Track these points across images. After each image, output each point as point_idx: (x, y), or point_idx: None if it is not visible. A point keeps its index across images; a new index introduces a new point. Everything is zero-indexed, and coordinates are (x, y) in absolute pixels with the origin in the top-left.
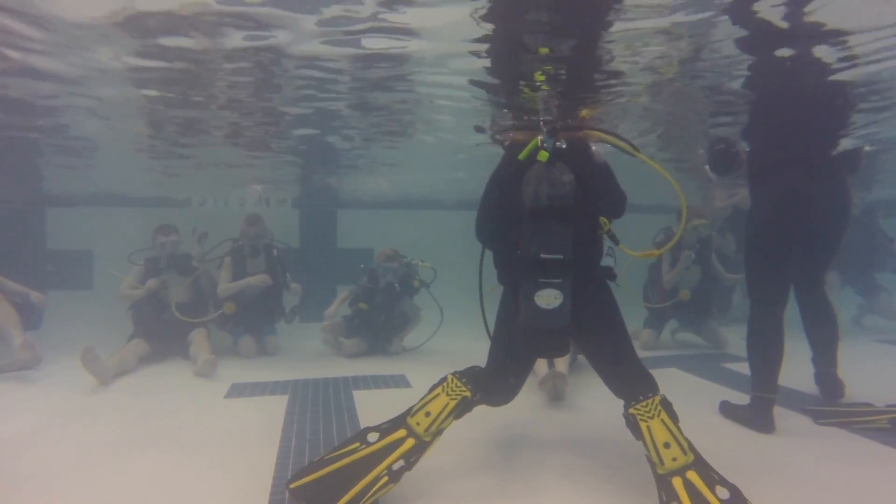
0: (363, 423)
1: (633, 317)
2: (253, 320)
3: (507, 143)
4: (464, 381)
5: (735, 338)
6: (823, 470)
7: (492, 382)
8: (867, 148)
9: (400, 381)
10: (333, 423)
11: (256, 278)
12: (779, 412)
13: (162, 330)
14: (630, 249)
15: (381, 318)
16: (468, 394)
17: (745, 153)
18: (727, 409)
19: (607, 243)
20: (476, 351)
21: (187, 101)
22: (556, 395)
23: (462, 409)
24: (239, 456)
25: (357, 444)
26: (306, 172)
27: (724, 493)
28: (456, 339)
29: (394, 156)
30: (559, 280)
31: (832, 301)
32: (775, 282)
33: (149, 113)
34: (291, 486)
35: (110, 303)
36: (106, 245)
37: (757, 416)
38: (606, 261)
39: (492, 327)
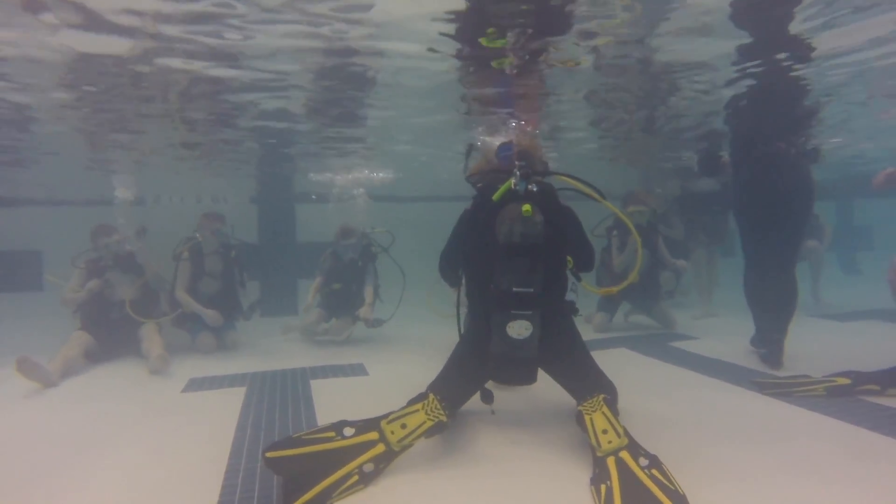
0: (319, 412)
1: (588, 300)
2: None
3: (479, 185)
4: (444, 404)
5: (684, 318)
6: (753, 433)
7: (453, 401)
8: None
9: (358, 370)
10: (289, 411)
11: (209, 315)
12: (726, 386)
13: (111, 329)
14: (588, 283)
15: (352, 289)
16: (444, 419)
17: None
18: (755, 341)
19: (571, 280)
20: (433, 338)
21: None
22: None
23: (435, 430)
24: (194, 445)
25: (333, 434)
26: (263, 166)
27: (644, 461)
28: (413, 325)
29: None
30: (529, 312)
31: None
32: (762, 255)
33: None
34: (267, 454)
35: (59, 306)
36: (57, 245)
37: (771, 356)
38: (570, 295)
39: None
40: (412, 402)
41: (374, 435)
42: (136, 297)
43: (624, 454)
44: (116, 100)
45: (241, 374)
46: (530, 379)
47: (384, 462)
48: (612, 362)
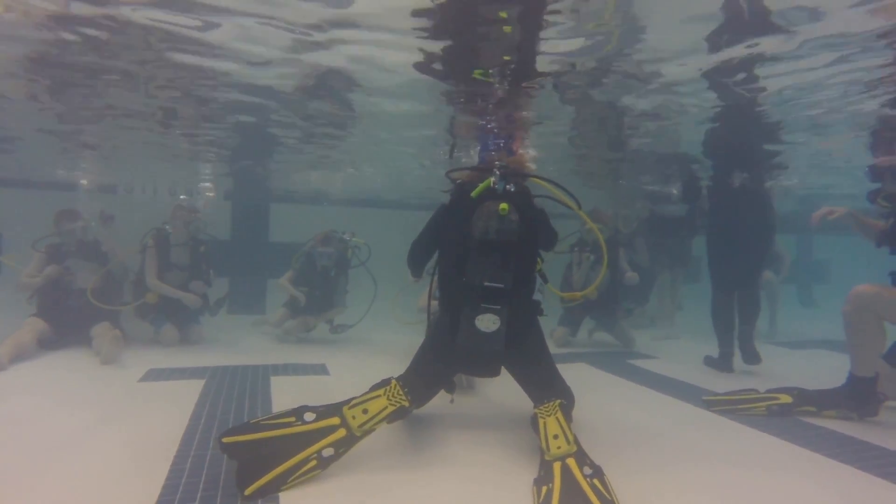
0: (276, 407)
1: (550, 316)
2: (175, 310)
3: (458, 182)
4: (406, 390)
5: (644, 339)
6: (695, 443)
7: (418, 392)
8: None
9: (319, 370)
10: (246, 405)
11: (189, 297)
12: (677, 403)
13: (66, 317)
14: (554, 288)
15: (317, 294)
16: (406, 403)
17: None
18: (708, 361)
19: (538, 281)
20: (395, 343)
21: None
22: (469, 385)
23: (397, 415)
24: (146, 430)
25: (293, 419)
26: (239, 164)
27: (588, 471)
28: (378, 331)
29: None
30: (498, 307)
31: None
32: (729, 277)
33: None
34: (224, 439)
35: (15, 290)
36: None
37: (723, 365)
38: (536, 296)
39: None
40: (374, 387)
41: (335, 420)
42: (97, 286)
43: (570, 461)
44: (80, 70)
45: (201, 367)
46: (495, 371)
47: (344, 447)
48: (572, 376)
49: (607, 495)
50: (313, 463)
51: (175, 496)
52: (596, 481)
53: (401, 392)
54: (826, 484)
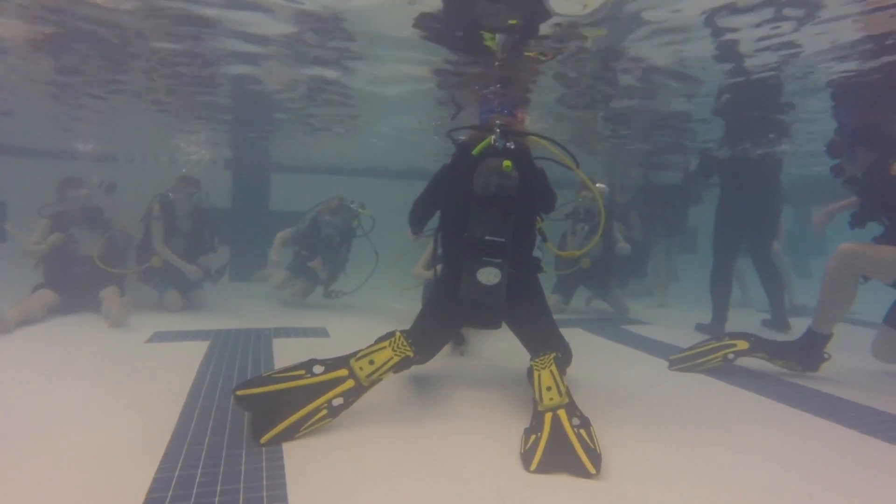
0: (279, 366)
1: (545, 284)
2: (179, 276)
3: (459, 142)
4: (409, 341)
5: (639, 307)
6: (679, 399)
7: (423, 344)
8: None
9: (320, 333)
10: (249, 364)
11: (189, 268)
12: (649, 358)
13: (72, 284)
14: (555, 248)
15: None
16: (411, 353)
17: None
18: (700, 327)
19: (538, 239)
20: (393, 309)
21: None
22: (464, 346)
23: (402, 365)
24: (154, 385)
25: (303, 372)
26: (239, 132)
27: (577, 421)
28: (376, 298)
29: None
30: (499, 260)
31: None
32: (735, 245)
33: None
34: (237, 392)
35: (22, 257)
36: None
37: (716, 329)
38: (536, 252)
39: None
40: (379, 339)
41: (343, 372)
42: (101, 253)
43: (561, 412)
44: (81, 42)
45: (205, 330)
46: (496, 324)
47: (353, 396)
48: (568, 340)
49: (591, 444)
50: (324, 412)
51: (184, 440)
52: (582, 431)
53: (405, 343)
54: (792, 431)
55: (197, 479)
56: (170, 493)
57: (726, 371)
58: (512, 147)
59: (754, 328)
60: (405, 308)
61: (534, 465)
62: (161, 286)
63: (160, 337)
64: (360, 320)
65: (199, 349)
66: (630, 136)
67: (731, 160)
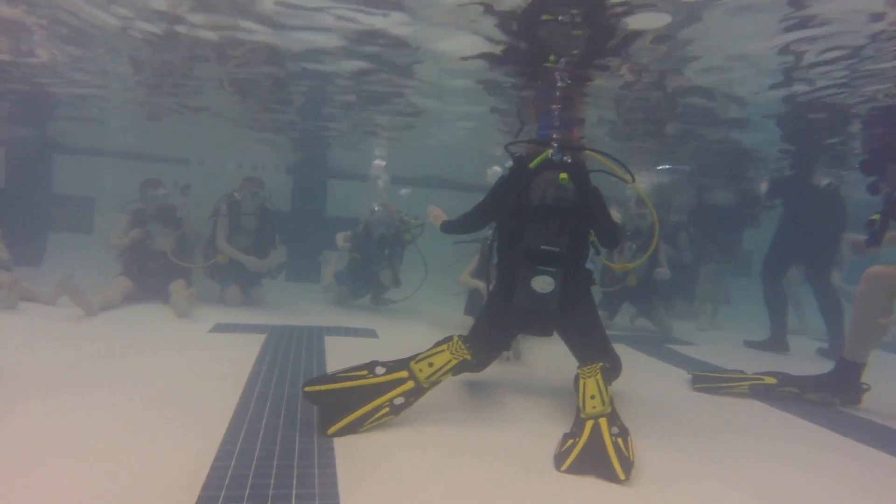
0: (330, 362)
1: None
2: (241, 272)
3: (517, 155)
4: (467, 345)
5: (686, 328)
6: (719, 419)
7: (478, 350)
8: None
9: (370, 334)
10: (303, 357)
11: (251, 261)
12: (677, 373)
13: (146, 276)
14: (608, 261)
15: (370, 265)
16: (468, 357)
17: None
18: (751, 344)
19: (591, 251)
20: (440, 315)
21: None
22: (516, 354)
23: (460, 368)
24: (216, 369)
25: (366, 373)
26: (302, 140)
27: (615, 430)
28: (424, 304)
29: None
30: (553, 269)
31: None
32: (781, 268)
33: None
34: (305, 388)
35: (106, 248)
36: (107, 194)
37: (776, 344)
38: (589, 265)
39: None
40: (438, 343)
41: (404, 373)
42: (173, 248)
43: (602, 420)
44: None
45: (262, 324)
46: (548, 332)
47: (414, 396)
48: None
49: (626, 453)
50: (386, 409)
51: (244, 419)
52: (619, 440)
53: (462, 347)
54: (832, 453)
55: (256, 453)
56: (232, 462)
57: (770, 397)
58: (569, 161)
59: (809, 356)
60: (450, 315)
61: (565, 466)
62: (224, 281)
63: (221, 328)
64: (407, 324)
65: (256, 341)
66: (683, 158)
67: (800, 183)
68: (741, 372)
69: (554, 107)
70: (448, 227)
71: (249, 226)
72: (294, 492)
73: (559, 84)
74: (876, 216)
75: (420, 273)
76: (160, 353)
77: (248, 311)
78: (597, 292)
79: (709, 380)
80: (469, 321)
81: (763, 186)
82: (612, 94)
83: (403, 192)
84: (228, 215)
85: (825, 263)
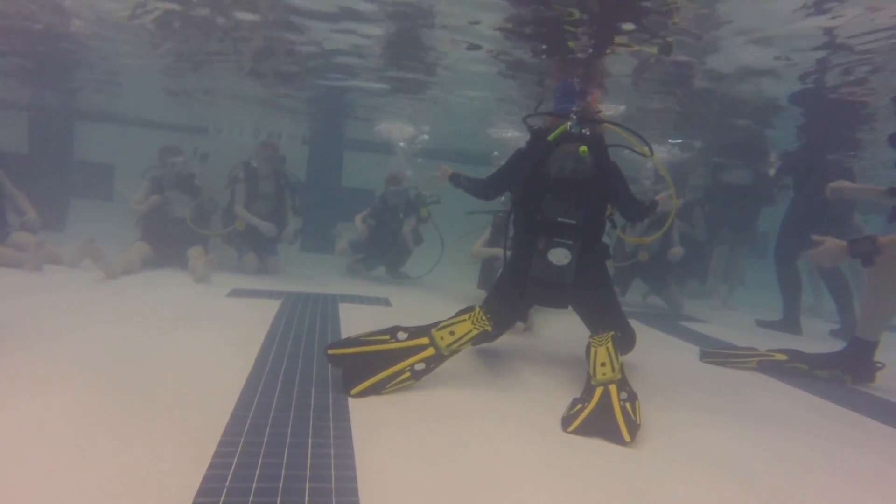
0: (344, 327)
1: None
2: (258, 240)
3: (535, 128)
4: (488, 316)
5: (699, 307)
6: (728, 392)
7: (497, 316)
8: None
9: (383, 302)
10: (318, 322)
11: (265, 226)
12: (688, 348)
13: (165, 241)
14: (625, 235)
15: (387, 232)
16: (489, 328)
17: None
18: (764, 324)
19: (608, 226)
20: (452, 287)
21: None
22: (529, 325)
23: (480, 339)
24: (234, 331)
25: (388, 337)
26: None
27: (624, 395)
28: (437, 276)
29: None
30: (570, 242)
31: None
32: (795, 248)
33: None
34: (329, 351)
35: (126, 215)
36: (126, 161)
37: (789, 325)
38: (605, 239)
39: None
40: (460, 312)
41: (425, 340)
42: (192, 215)
43: (612, 387)
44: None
45: (278, 290)
46: (563, 304)
47: (434, 363)
48: None
49: (633, 416)
50: (407, 374)
51: (262, 375)
52: (627, 405)
53: (484, 318)
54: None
55: (273, 405)
56: (251, 413)
57: (779, 372)
58: (587, 133)
59: (822, 337)
60: (463, 286)
61: (572, 428)
62: (241, 249)
63: (238, 293)
64: (420, 295)
65: (272, 306)
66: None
67: (810, 159)
68: (753, 349)
69: (574, 75)
70: (456, 180)
71: (267, 191)
72: (310, 440)
73: (578, 52)
74: None
75: (437, 250)
76: (180, 314)
77: (264, 279)
78: (609, 268)
79: (718, 355)
80: (482, 294)
81: (773, 164)
82: (632, 65)
83: (420, 160)
84: (246, 181)
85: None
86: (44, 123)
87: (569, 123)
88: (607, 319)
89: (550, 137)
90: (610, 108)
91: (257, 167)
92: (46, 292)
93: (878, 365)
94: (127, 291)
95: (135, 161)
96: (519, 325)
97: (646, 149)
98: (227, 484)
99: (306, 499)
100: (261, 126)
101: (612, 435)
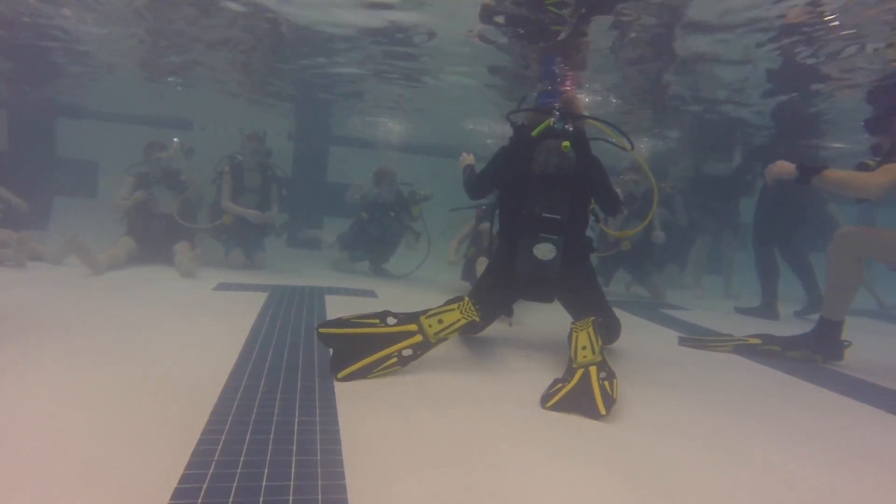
0: (331, 317)
1: None
2: (246, 234)
3: (518, 124)
4: (477, 307)
5: (682, 295)
6: (705, 372)
7: (484, 308)
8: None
9: (369, 294)
10: (304, 313)
11: (253, 213)
12: (668, 334)
13: (152, 238)
14: (607, 228)
15: (376, 232)
16: (477, 319)
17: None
18: (742, 310)
19: (591, 219)
20: (436, 281)
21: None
22: (513, 320)
23: (468, 329)
24: (221, 322)
25: (377, 321)
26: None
27: (603, 374)
28: (422, 270)
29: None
30: (555, 237)
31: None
32: (770, 235)
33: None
34: (320, 329)
35: (110, 211)
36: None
37: (767, 311)
38: (588, 232)
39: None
40: (449, 302)
41: (413, 327)
42: (178, 211)
43: (592, 369)
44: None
45: (265, 284)
46: (549, 298)
47: (421, 350)
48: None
49: (610, 392)
50: (394, 360)
51: (249, 361)
52: (606, 383)
53: (472, 308)
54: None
55: (260, 389)
56: (239, 395)
57: (753, 353)
58: (570, 129)
59: (799, 323)
60: (446, 280)
61: (549, 404)
62: (228, 244)
63: (225, 287)
64: (406, 288)
65: (259, 298)
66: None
67: (775, 150)
68: (729, 335)
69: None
70: (467, 171)
71: (254, 184)
72: (296, 418)
73: (560, 32)
74: (871, 161)
75: (422, 248)
76: (167, 307)
77: (251, 273)
78: (593, 258)
79: (696, 340)
80: (466, 286)
81: (739, 155)
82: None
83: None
84: (232, 175)
85: (798, 231)
86: (24, 119)
87: (552, 119)
88: (590, 308)
89: (534, 133)
90: (595, 85)
91: (243, 160)
92: (30, 286)
93: (846, 343)
94: (113, 286)
95: (119, 158)
96: (507, 319)
97: (627, 143)
98: (215, 458)
99: (293, 470)
100: (246, 122)
101: (589, 409)
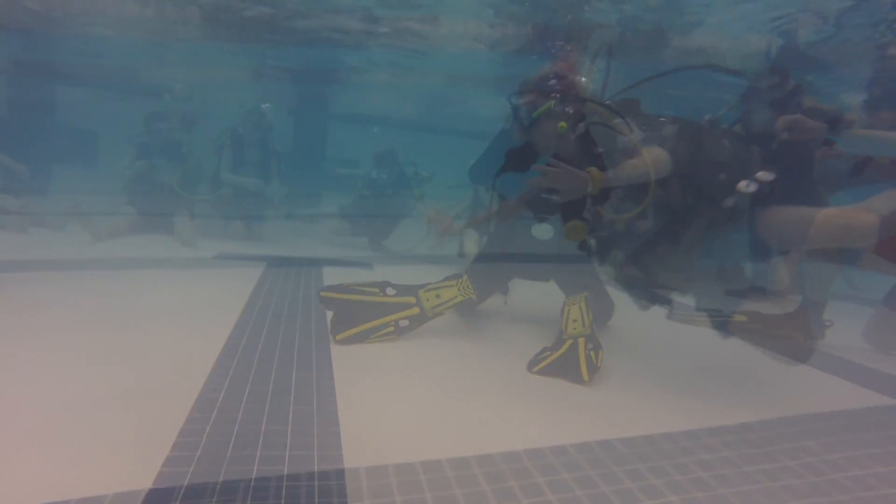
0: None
1: None
2: (245, 207)
3: (518, 105)
4: (474, 285)
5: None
6: (690, 349)
7: (481, 286)
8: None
9: (365, 266)
10: (301, 282)
11: (251, 182)
12: (655, 309)
13: (152, 207)
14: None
15: (377, 210)
16: (473, 296)
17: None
18: (732, 291)
19: (589, 201)
20: (431, 256)
21: None
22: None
23: (465, 306)
24: (221, 288)
25: (377, 290)
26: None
27: (590, 345)
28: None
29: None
30: (553, 217)
31: None
32: None
33: None
34: (322, 293)
35: (111, 180)
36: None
37: (755, 292)
38: (585, 214)
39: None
40: (448, 278)
41: (411, 299)
42: (179, 181)
43: (581, 340)
44: None
45: (264, 254)
46: (547, 276)
47: (417, 322)
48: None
49: (595, 361)
50: (391, 329)
51: (248, 323)
52: (591, 353)
53: (469, 286)
54: (790, 381)
55: (259, 347)
56: (239, 351)
57: (738, 330)
58: (570, 112)
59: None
60: (444, 255)
61: (536, 369)
62: (228, 216)
63: (224, 256)
64: (403, 264)
65: (258, 268)
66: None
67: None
68: (717, 311)
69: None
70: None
71: (253, 158)
72: (294, 373)
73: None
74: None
75: (421, 226)
76: (167, 274)
77: (250, 244)
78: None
79: (684, 315)
80: (463, 262)
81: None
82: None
83: (375, 130)
84: (232, 148)
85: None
86: (24, 86)
87: (552, 102)
88: (585, 288)
89: (534, 115)
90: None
91: (244, 134)
92: (33, 252)
93: (827, 323)
94: (114, 254)
95: (122, 127)
96: (503, 298)
97: (626, 128)
98: (217, 404)
99: (290, 415)
100: (247, 95)
101: (572, 376)
